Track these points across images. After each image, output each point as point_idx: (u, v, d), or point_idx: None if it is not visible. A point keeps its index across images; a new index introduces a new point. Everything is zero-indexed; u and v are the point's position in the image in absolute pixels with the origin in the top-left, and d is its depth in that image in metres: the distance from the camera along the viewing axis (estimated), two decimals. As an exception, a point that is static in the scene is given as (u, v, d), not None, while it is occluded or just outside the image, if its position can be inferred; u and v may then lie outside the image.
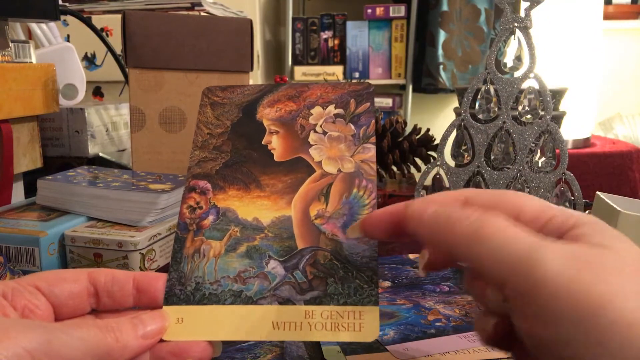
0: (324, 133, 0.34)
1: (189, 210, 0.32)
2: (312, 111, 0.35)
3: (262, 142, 0.34)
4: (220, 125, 0.35)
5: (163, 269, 0.53)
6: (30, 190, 0.69)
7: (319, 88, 0.36)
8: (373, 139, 0.33)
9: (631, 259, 0.21)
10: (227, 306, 0.28)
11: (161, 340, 0.26)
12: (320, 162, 0.33)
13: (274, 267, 0.29)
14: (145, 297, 0.28)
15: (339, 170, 0.32)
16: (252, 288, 0.28)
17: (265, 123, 0.35)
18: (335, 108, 0.35)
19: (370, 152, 0.33)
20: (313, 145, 0.33)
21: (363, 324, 0.26)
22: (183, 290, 0.28)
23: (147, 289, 0.28)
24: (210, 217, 0.31)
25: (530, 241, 0.21)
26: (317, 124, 0.34)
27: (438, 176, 0.64)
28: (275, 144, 0.34)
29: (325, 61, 2.29)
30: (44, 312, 0.25)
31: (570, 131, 1.40)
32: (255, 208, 0.31)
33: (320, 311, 0.27)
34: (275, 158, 0.33)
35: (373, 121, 0.34)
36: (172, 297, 0.28)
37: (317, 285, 0.28)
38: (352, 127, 0.34)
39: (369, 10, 2.20)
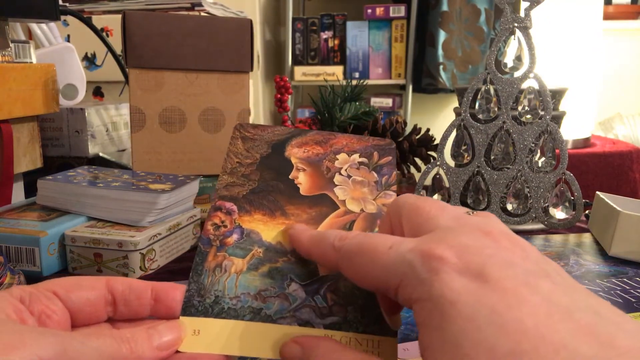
0: (349, 176, 0.36)
1: (213, 228, 0.32)
2: (338, 156, 0.37)
3: (290, 176, 0.36)
4: (249, 157, 0.37)
5: (163, 269, 0.53)
6: (30, 190, 0.69)
7: (345, 138, 0.39)
8: (394, 188, 0.35)
9: None
10: (246, 322, 0.27)
11: (177, 352, 0.26)
12: (344, 201, 0.34)
13: (295, 289, 0.29)
14: (162, 307, 0.28)
15: (362, 210, 0.34)
16: (272, 307, 0.28)
17: (293, 160, 0.37)
18: (360, 157, 0.37)
19: (391, 198, 0.35)
20: (338, 185, 0.35)
21: (381, 352, 0.27)
22: (202, 302, 0.28)
23: (164, 299, 0.28)
24: (235, 236, 0.32)
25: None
26: (342, 168, 0.36)
27: (438, 176, 0.64)
28: (302, 179, 0.35)
29: (325, 61, 2.29)
30: (61, 317, 0.25)
31: (570, 131, 1.40)
32: (280, 233, 0.32)
33: (340, 336, 0.27)
34: (301, 192, 0.35)
35: (394, 173, 0.36)
36: (189, 308, 0.28)
37: (337, 312, 0.28)
38: (375, 175, 0.36)
39: (369, 10, 2.20)
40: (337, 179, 0.35)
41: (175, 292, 0.28)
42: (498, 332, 0.18)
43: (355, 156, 0.37)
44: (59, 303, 0.25)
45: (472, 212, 0.27)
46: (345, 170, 0.36)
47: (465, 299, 0.20)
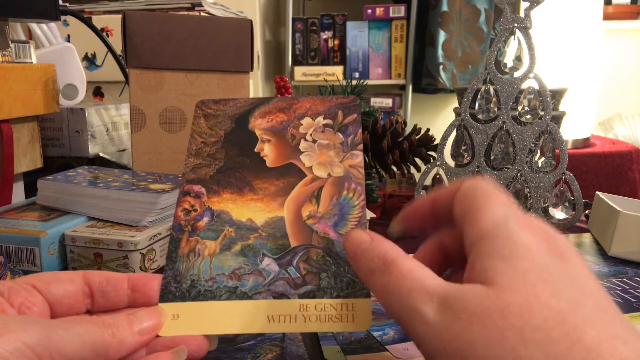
0: (314, 141, 0.36)
1: (183, 213, 0.32)
2: (302, 122, 0.37)
3: (255, 150, 0.35)
4: (213, 134, 0.36)
5: (163, 269, 0.53)
6: (30, 190, 0.69)
7: (308, 101, 0.38)
8: (360, 147, 0.35)
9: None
10: (223, 301, 0.28)
11: (157, 336, 0.27)
12: (310, 168, 0.34)
13: (268, 264, 0.30)
14: (140, 296, 0.28)
15: (329, 175, 0.34)
16: (247, 284, 0.29)
17: (258, 132, 0.36)
18: (324, 119, 0.37)
19: (358, 158, 0.34)
20: (304, 152, 0.35)
21: (356, 315, 0.27)
22: (178, 288, 0.29)
23: (141, 288, 0.28)
24: (205, 219, 0.32)
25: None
26: (307, 133, 0.36)
27: (438, 176, 0.64)
28: (268, 151, 0.35)
29: (325, 61, 2.29)
30: (41, 309, 0.26)
31: (570, 131, 1.40)
32: (249, 210, 0.32)
33: (314, 304, 0.28)
34: (268, 164, 0.35)
35: (360, 130, 0.36)
36: (167, 295, 0.28)
37: (311, 280, 0.29)
38: (340, 135, 0.36)
39: (369, 11, 2.20)
40: (302, 145, 0.35)
41: (152, 281, 0.29)
42: (563, 282, 0.21)
43: (320, 119, 0.37)
44: (39, 296, 0.26)
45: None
46: (310, 135, 0.36)
47: (539, 251, 0.22)
